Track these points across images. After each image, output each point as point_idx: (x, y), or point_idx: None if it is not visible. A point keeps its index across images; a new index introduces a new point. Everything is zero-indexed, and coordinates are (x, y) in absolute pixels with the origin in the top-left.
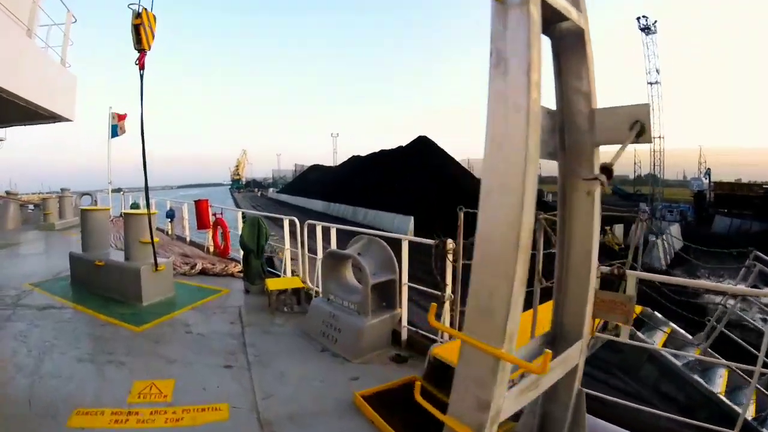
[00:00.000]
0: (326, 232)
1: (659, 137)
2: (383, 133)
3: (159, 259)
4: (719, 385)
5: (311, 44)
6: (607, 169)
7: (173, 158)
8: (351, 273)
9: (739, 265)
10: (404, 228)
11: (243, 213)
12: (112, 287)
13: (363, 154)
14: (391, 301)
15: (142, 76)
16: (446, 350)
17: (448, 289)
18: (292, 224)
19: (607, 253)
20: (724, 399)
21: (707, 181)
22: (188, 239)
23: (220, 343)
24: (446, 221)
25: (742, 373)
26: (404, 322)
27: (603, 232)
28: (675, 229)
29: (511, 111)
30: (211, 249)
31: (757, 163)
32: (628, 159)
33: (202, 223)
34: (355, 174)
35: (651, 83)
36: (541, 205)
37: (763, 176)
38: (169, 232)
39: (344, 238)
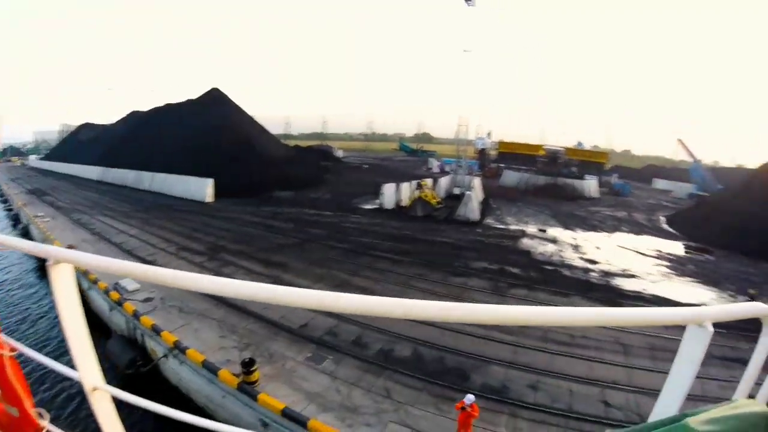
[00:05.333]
0: None
1: None
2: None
3: None
4: None
5: None
6: None
7: None
8: None
9: (534, 209)
10: (201, 193)
11: None
12: None
13: (145, 109)
14: None
15: None
16: None
17: None
18: None
19: (424, 205)
20: None
21: (489, 140)
22: None
23: None
24: (252, 182)
25: None
26: None
27: (419, 187)
28: (477, 182)
29: None
30: None
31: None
32: (403, 118)
33: None
34: (135, 132)
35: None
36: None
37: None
38: None
39: None
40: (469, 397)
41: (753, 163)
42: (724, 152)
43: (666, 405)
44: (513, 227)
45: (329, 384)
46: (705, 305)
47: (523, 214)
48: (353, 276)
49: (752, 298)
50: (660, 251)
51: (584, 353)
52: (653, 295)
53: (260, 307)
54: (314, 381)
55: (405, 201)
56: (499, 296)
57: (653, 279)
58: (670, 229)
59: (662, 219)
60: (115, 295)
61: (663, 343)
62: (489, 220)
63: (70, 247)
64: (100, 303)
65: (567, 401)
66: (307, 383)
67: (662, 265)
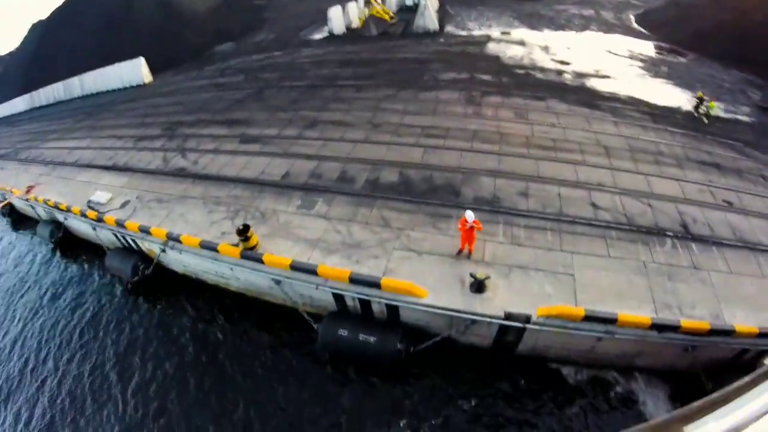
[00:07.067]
0: None
1: None
2: None
3: None
4: None
5: None
6: None
7: None
8: None
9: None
10: (138, 76)
11: None
12: None
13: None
14: None
15: None
16: None
17: None
18: None
19: (378, 23)
20: None
21: None
22: None
23: None
24: (185, 46)
25: None
26: None
27: (367, 3)
28: None
29: None
30: None
31: None
32: None
33: None
34: (47, 45)
35: None
36: None
37: None
38: None
39: None
40: (469, 214)
41: None
42: None
43: None
44: (476, 33)
45: (327, 226)
46: None
47: (485, 17)
48: (321, 112)
49: (700, 100)
50: (632, 51)
51: (568, 157)
52: (629, 96)
53: (236, 170)
54: (311, 227)
55: (356, 22)
56: (474, 105)
57: (628, 79)
58: (641, 29)
59: (632, 18)
60: (92, 213)
61: (642, 145)
62: (449, 28)
63: (29, 188)
64: (84, 228)
65: (557, 206)
66: (305, 231)
67: (635, 66)
